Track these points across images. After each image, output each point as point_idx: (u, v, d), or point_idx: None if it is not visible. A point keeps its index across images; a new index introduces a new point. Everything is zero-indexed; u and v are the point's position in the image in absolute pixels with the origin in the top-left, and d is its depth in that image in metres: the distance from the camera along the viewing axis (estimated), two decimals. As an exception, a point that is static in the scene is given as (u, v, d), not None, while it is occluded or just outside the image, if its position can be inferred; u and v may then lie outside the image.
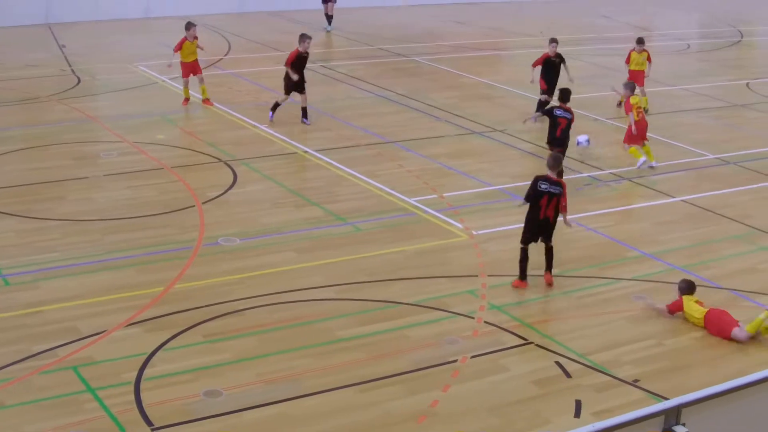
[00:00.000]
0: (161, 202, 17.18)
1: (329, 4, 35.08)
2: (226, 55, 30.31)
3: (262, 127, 21.88)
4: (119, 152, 20.07)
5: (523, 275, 14.33)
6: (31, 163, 19.45)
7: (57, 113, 22.65)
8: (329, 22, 35.28)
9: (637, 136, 20.03)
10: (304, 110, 22.31)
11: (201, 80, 23.63)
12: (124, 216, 16.48)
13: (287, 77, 22.00)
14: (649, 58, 24.53)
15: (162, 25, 35.15)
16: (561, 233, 14.82)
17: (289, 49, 30.42)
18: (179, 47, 23.28)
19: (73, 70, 27.19)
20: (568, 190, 14.26)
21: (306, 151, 20.19)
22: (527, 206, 14.30)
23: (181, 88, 23.78)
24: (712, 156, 21.22)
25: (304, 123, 22.13)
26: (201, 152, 20.06)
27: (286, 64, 21.97)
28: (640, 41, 24.67)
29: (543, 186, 14.05)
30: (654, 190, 18.92)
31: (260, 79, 26.80)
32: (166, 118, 22.56)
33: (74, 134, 21.23)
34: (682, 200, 18.44)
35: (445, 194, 18.02)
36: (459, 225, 16.56)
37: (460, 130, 22.40)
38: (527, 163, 20.19)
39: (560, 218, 14.32)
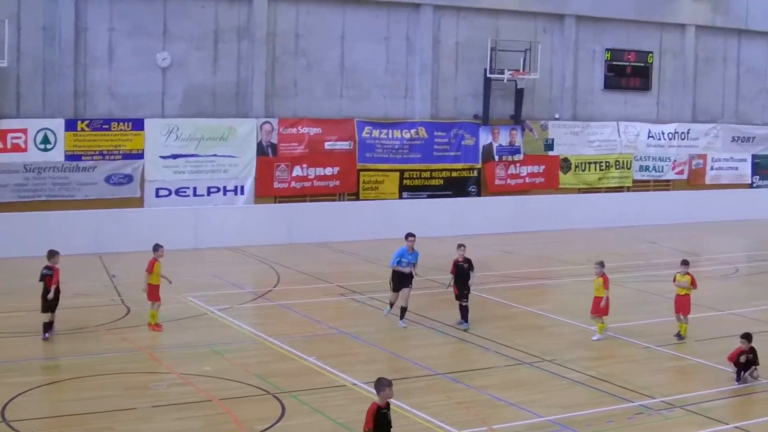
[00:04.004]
0: (209, 436, 17.07)
1: (462, 301, 25.66)
2: (275, 286, 30.59)
3: (311, 359, 21.87)
4: (168, 383, 20.10)
5: None
6: (80, 392, 19.48)
7: (106, 343, 22.79)
8: (465, 319, 25.60)
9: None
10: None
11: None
12: (172, 450, 16.40)
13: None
14: (693, 282, 24.41)
15: (211, 256, 35.68)
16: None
17: (336, 281, 30.87)
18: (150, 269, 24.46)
19: (122, 300, 27.55)
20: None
21: (354, 384, 20.08)
22: None
23: (230, 319, 23.97)
24: (765, 381, 20.87)
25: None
26: (249, 384, 20.01)
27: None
28: (685, 263, 24.68)
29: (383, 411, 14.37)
30: (707, 417, 18.55)
31: (308, 310, 26.94)
32: (214, 349, 22.64)
33: (123, 364, 21.31)
34: (735, 427, 18.06)
35: (494, 426, 17.77)
36: (511, 458, 16.29)
37: (509, 361, 22.27)
38: (577, 394, 19.95)
39: None
